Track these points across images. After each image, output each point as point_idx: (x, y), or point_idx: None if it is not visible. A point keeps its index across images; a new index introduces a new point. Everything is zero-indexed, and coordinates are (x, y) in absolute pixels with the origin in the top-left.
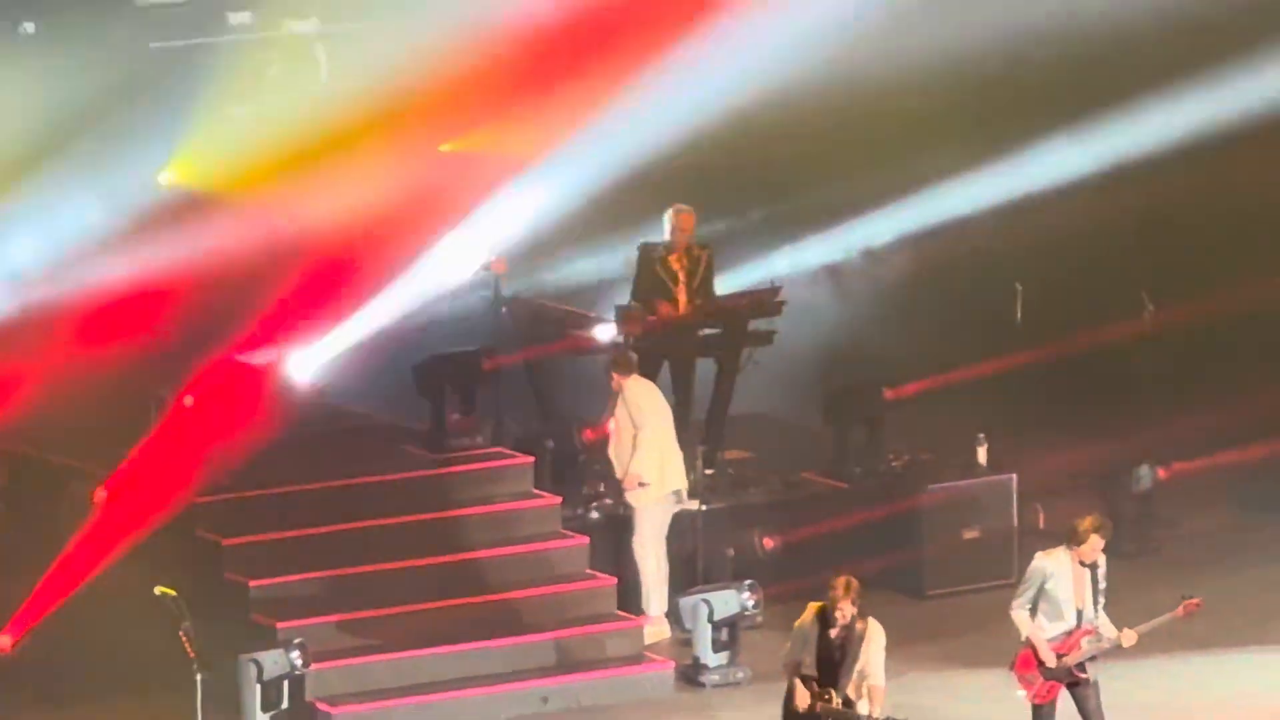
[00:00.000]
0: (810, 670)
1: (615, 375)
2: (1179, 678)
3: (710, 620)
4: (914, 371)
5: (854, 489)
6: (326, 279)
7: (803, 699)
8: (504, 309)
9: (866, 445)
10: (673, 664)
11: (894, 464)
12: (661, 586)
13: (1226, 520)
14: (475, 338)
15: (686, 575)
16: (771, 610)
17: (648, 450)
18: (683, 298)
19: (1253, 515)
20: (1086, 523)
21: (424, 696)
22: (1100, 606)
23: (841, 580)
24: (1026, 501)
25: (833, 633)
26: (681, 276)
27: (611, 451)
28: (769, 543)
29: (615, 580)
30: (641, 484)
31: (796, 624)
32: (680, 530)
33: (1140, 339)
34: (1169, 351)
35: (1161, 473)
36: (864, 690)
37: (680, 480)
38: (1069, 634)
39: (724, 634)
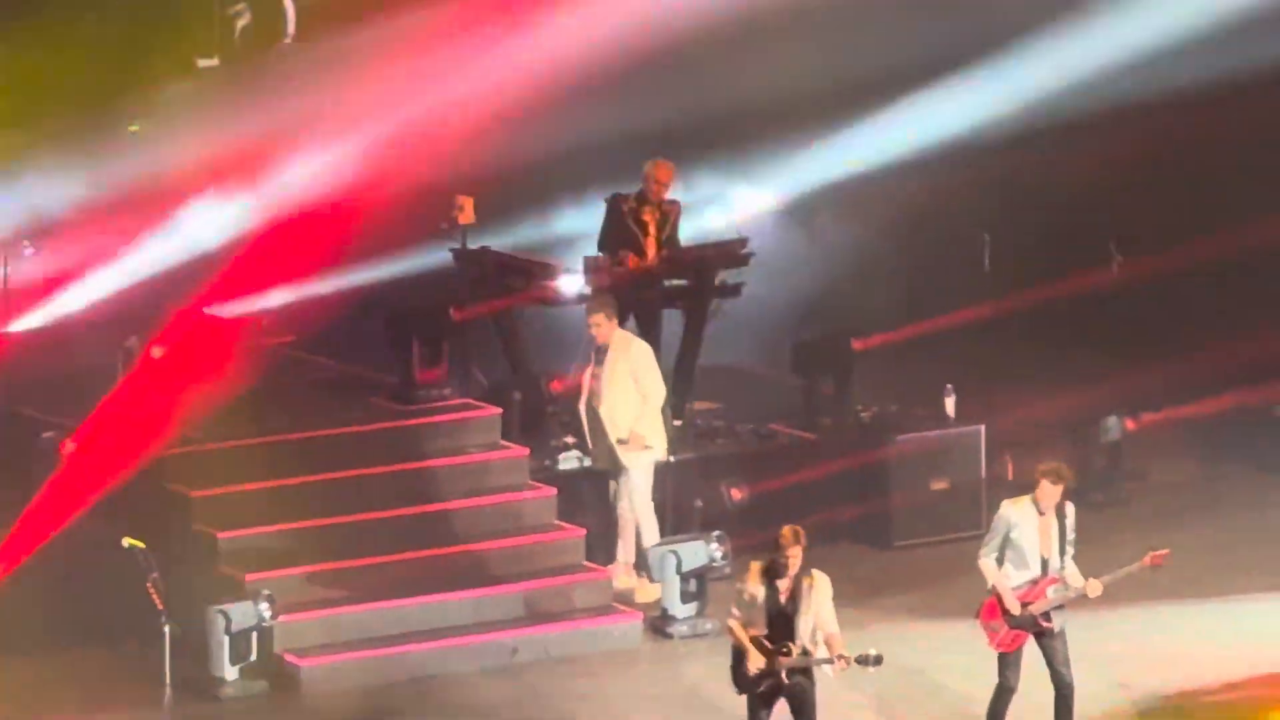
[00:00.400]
0: (761, 630)
1: (600, 323)
2: (1146, 628)
3: (678, 572)
4: (882, 323)
5: (822, 440)
6: (296, 231)
7: (755, 662)
8: (471, 261)
9: (834, 397)
10: (641, 615)
11: (862, 415)
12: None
13: (1194, 471)
14: (443, 290)
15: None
16: (740, 562)
17: (654, 415)
18: (651, 250)
19: (1220, 466)
20: (1039, 468)
21: (392, 648)
22: (1069, 556)
23: (789, 529)
24: (994, 452)
25: (781, 585)
26: (651, 229)
27: (604, 411)
28: (737, 494)
29: (583, 531)
30: (646, 447)
31: (739, 585)
32: None
33: (1108, 290)
34: (1137, 302)
35: (1130, 423)
36: (819, 639)
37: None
38: (1034, 583)
39: (692, 585)
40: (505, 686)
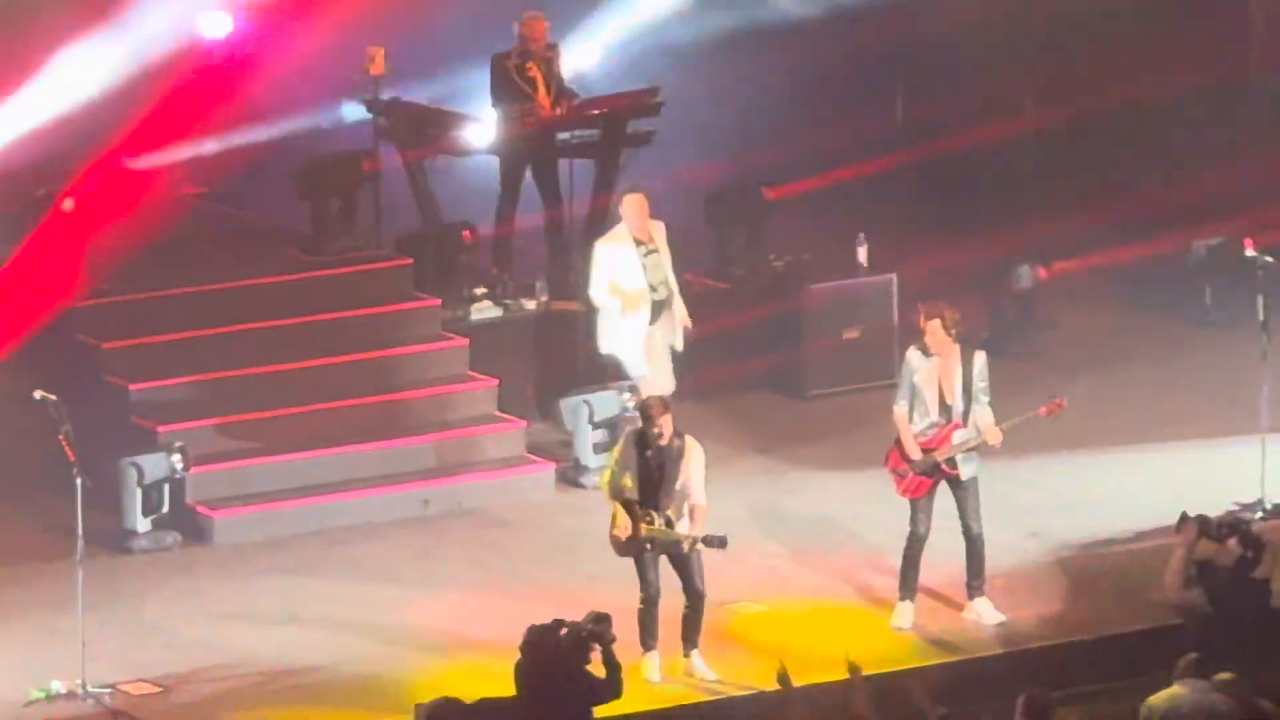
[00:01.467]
0: (633, 494)
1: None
2: (1058, 478)
3: (591, 421)
4: (794, 172)
5: (735, 290)
6: (211, 82)
7: (623, 527)
8: (383, 112)
9: (747, 246)
10: (553, 465)
11: (775, 264)
12: None
13: (1108, 320)
14: (355, 140)
15: (568, 376)
16: None
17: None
18: (545, 103)
19: (1134, 314)
20: (922, 309)
21: (305, 499)
22: (979, 404)
23: (656, 399)
24: (907, 301)
25: (652, 454)
26: (540, 82)
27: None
28: None
29: (496, 382)
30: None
31: (615, 449)
32: (561, 332)
33: (1020, 137)
34: (1049, 150)
35: (1042, 272)
36: (685, 510)
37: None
38: (937, 429)
39: (604, 435)
40: (417, 537)
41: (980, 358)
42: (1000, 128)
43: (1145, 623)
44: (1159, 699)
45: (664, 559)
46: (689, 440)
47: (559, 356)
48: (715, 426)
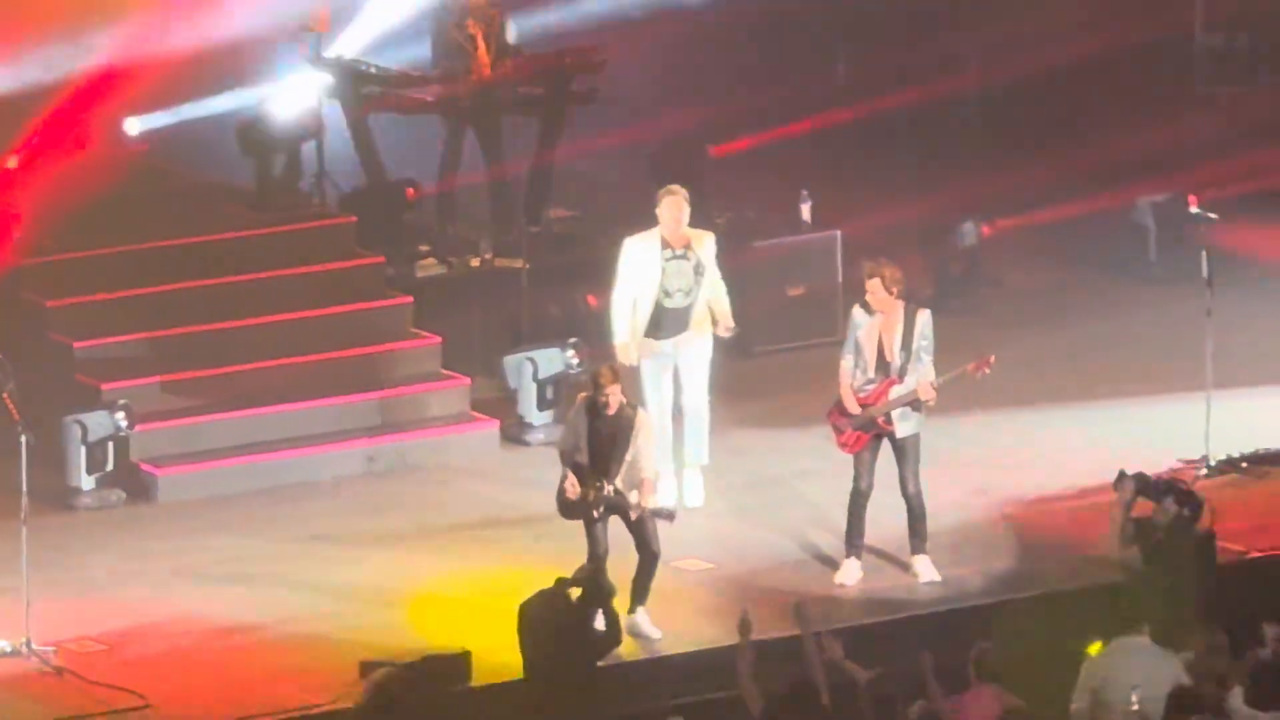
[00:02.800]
0: (584, 459)
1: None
2: (1003, 434)
3: (535, 379)
4: (738, 129)
5: None
6: (155, 36)
7: (573, 489)
8: (327, 69)
9: (691, 203)
10: (498, 423)
11: (718, 222)
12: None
13: (1052, 276)
14: (300, 97)
15: (511, 334)
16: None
17: None
18: (485, 60)
19: (1078, 271)
20: (865, 268)
21: (249, 457)
22: (921, 361)
23: (607, 369)
24: (851, 258)
25: (603, 423)
26: (479, 40)
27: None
28: (593, 301)
29: (439, 339)
30: None
31: (570, 413)
32: (505, 289)
33: (965, 94)
34: (993, 107)
35: (986, 229)
36: (635, 481)
37: None
38: (875, 384)
39: (549, 392)
40: (362, 495)
41: (924, 315)
42: (944, 84)
43: (1089, 579)
44: (1100, 654)
45: (619, 520)
46: (641, 414)
47: (503, 313)
48: None
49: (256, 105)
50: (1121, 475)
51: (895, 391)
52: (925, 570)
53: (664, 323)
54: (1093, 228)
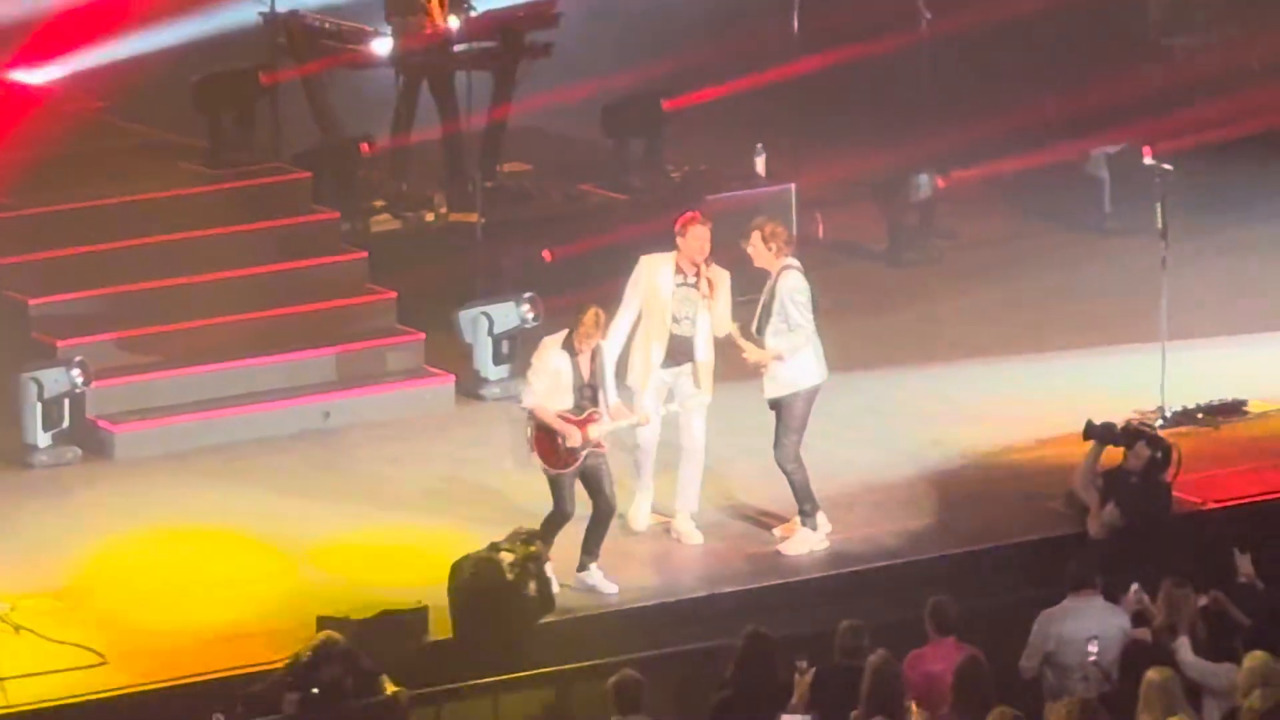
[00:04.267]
0: (566, 404)
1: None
2: (960, 386)
3: (490, 333)
4: (692, 83)
5: (633, 201)
6: None
7: (571, 437)
8: (280, 24)
9: (645, 157)
10: (453, 378)
11: (673, 176)
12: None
13: (1005, 228)
14: (252, 53)
15: (467, 288)
16: (552, 323)
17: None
18: (438, 14)
19: (1033, 222)
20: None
21: (206, 413)
22: (785, 320)
23: (592, 314)
24: (806, 211)
25: (582, 360)
26: None
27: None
28: (548, 255)
29: (394, 294)
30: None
31: (538, 360)
32: (460, 244)
33: (918, 47)
34: (947, 59)
35: (940, 181)
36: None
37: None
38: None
39: (504, 347)
40: (318, 450)
41: (790, 277)
42: (898, 37)
43: (1046, 531)
44: (1053, 612)
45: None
46: (599, 343)
47: (458, 269)
48: None
49: (210, 61)
50: (1090, 425)
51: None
52: (795, 544)
53: (670, 349)
54: (1047, 179)
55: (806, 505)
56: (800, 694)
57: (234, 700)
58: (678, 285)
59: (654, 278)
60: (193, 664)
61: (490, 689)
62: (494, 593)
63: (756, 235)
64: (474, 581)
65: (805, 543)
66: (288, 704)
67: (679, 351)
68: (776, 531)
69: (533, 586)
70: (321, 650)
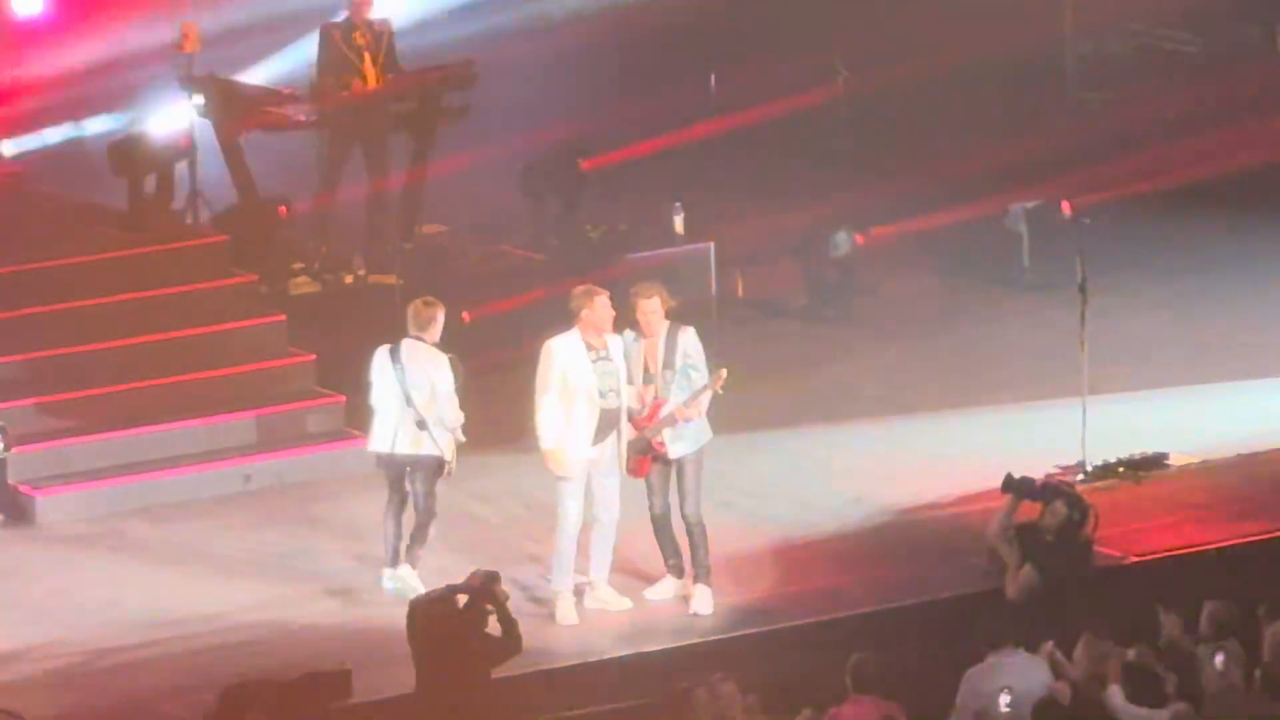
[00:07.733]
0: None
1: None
2: (880, 442)
3: None
4: (610, 142)
5: (551, 260)
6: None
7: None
8: (198, 88)
9: (563, 216)
10: None
11: (591, 235)
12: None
13: (926, 284)
14: (172, 117)
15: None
16: (474, 383)
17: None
18: (370, 74)
19: (952, 278)
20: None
21: (127, 477)
22: (688, 379)
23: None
24: (725, 270)
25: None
26: (366, 53)
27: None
28: (467, 315)
29: (314, 357)
30: None
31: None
32: (378, 305)
33: (835, 104)
34: (864, 116)
35: (859, 238)
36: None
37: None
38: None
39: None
40: (240, 513)
41: (687, 334)
42: (814, 94)
43: (968, 587)
44: (984, 670)
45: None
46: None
47: (377, 330)
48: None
49: (128, 125)
50: (1009, 479)
51: (663, 411)
52: (700, 602)
53: (601, 424)
54: (966, 235)
55: (679, 560)
56: None
57: None
58: (593, 361)
59: (570, 359)
60: None
61: None
62: (451, 635)
63: (658, 299)
64: (427, 623)
65: (670, 589)
66: None
67: (606, 426)
68: (673, 590)
69: (494, 625)
70: None
